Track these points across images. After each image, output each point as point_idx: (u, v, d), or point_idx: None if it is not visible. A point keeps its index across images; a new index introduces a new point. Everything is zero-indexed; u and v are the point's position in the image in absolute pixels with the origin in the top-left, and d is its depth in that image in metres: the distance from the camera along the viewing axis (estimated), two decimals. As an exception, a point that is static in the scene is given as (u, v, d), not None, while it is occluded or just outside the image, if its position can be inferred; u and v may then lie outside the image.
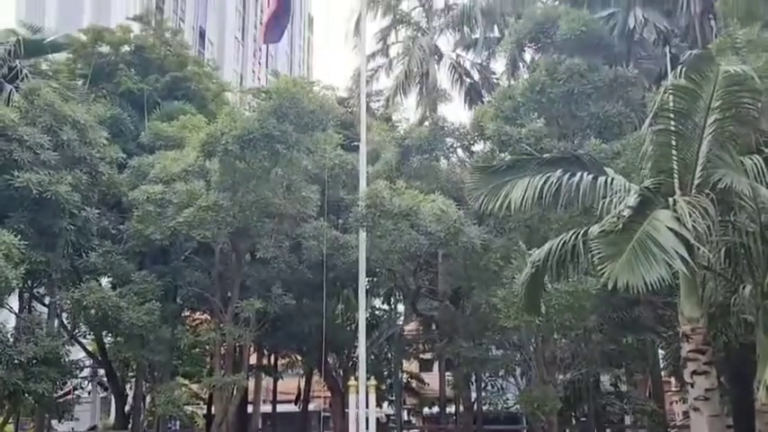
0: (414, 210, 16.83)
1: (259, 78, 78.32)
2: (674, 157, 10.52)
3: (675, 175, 10.49)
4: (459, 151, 21.68)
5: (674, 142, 10.54)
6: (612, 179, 10.87)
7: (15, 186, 16.86)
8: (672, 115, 10.44)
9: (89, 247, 18.95)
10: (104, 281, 19.93)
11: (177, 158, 18.96)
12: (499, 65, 24.94)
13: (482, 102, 24.75)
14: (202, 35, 76.48)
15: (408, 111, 26.83)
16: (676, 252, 8.81)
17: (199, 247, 19.82)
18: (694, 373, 10.06)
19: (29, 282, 19.00)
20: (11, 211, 17.42)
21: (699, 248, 9.46)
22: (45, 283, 19.94)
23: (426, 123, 23.65)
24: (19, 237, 15.82)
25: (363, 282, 16.95)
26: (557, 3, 21.52)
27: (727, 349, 13.32)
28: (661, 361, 22.58)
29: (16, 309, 19.90)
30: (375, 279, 21.91)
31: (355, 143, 18.84)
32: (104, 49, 25.30)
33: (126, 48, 25.57)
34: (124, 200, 19.51)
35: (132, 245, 19.16)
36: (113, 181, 19.63)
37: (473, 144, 20.81)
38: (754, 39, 12.93)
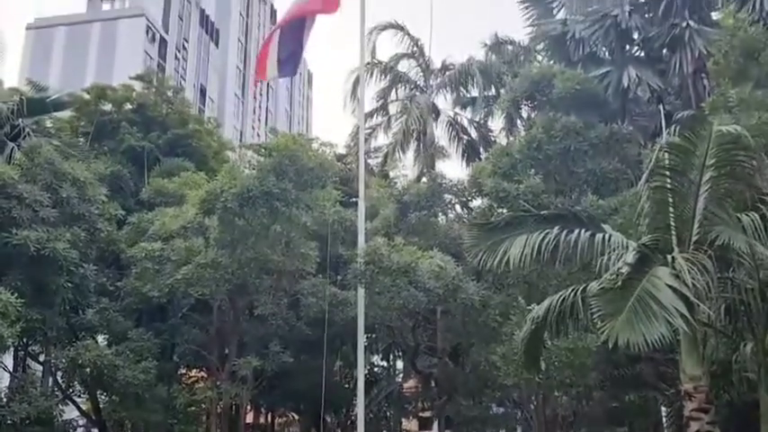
0: (412, 266, 16.79)
1: (258, 135, 79.27)
2: (671, 214, 10.58)
3: (673, 232, 10.53)
4: (458, 207, 21.79)
5: (670, 199, 10.61)
6: (610, 236, 10.92)
7: (13, 244, 16.85)
8: (667, 173, 10.55)
9: (86, 305, 18.85)
10: (100, 338, 19.75)
11: (176, 215, 19.04)
12: (496, 122, 25.25)
13: (479, 158, 24.96)
14: (203, 93, 77.69)
15: (406, 167, 27.10)
16: (676, 309, 8.78)
17: (196, 303, 19.74)
18: (698, 432, 9.92)
19: (24, 340, 18.82)
20: (8, 269, 17.36)
21: (699, 306, 9.43)
22: (40, 340, 19.75)
23: (424, 180, 23.81)
24: (16, 294, 15.75)
25: (362, 339, 16.81)
26: (551, 62, 21.88)
27: (730, 407, 13.15)
28: (664, 419, 22.24)
29: (10, 367, 19.67)
30: (374, 336, 21.75)
31: (354, 199, 18.95)
32: (107, 107, 25.73)
33: (128, 106, 25.99)
34: (122, 257, 19.51)
35: (129, 302, 19.08)
36: (112, 238, 19.66)
37: (471, 200, 20.92)
38: (746, 98, 13.16)
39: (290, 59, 18.63)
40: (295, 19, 18.52)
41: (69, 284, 17.95)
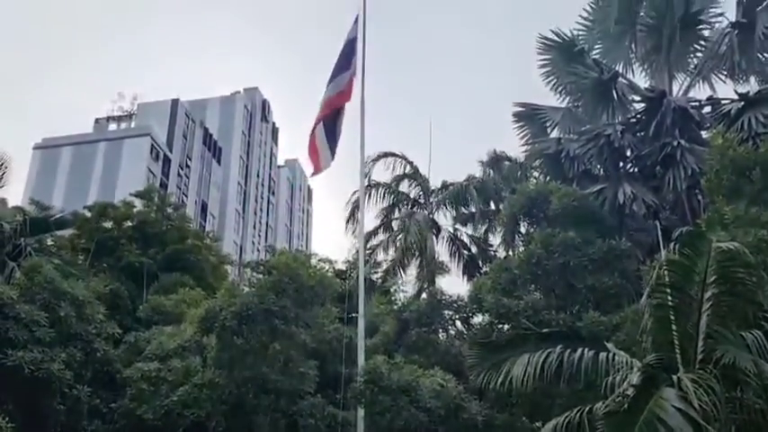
0: (413, 385, 16.44)
1: (258, 250, 79.67)
2: (674, 332, 10.50)
3: (677, 350, 10.41)
4: (458, 323, 21.60)
5: (672, 316, 10.56)
6: (614, 355, 10.83)
7: (8, 365, 16.58)
8: (668, 290, 10.55)
9: (79, 428, 18.31)
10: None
11: (174, 334, 18.85)
12: (496, 237, 25.48)
13: (480, 273, 25.02)
14: (204, 208, 78.77)
15: (407, 283, 27.06)
16: (685, 432, 8.58)
17: (191, 425, 19.17)
18: None
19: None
20: (2, 391, 17.00)
21: (707, 428, 9.19)
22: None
23: (424, 295, 23.76)
24: (7, 419, 15.34)
25: (363, 462, 16.26)
26: (548, 178, 22.32)
27: None
28: None
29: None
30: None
31: (353, 315, 18.81)
32: (108, 224, 25.98)
33: (128, 223, 26.26)
34: (118, 377, 19.13)
35: (123, 425, 18.54)
36: (108, 357, 19.34)
37: (472, 316, 20.78)
38: (742, 215, 13.33)
39: (334, 144, 19.63)
40: (333, 110, 19.62)
41: (62, 407, 17.51)
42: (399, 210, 27.32)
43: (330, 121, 19.61)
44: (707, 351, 9.98)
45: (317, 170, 19.93)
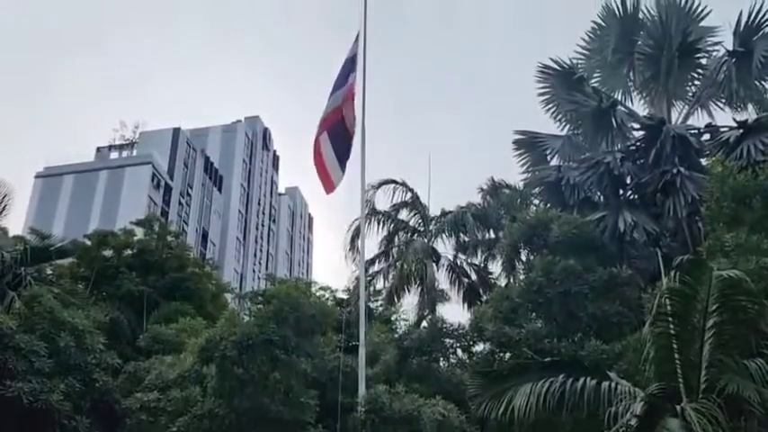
0: (414, 415, 16.31)
1: (259, 278, 79.49)
2: (677, 361, 10.47)
3: (680, 379, 10.38)
4: (459, 351, 21.47)
5: (675, 345, 10.54)
6: (617, 384, 10.77)
7: (7, 396, 16.47)
8: (670, 318, 10.54)
9: (76, 462, 18.11)
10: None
11: (174, 364, 18.70)
12: (496, 265, 25.44)
13: (480, 301, 24.93)
14: (205, 236, 78.74)
15: (407, 310, 26.95)
16: (690, 465, 8.50)
17: (190, 457, 18.97)
18: None
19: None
20: (1, 421, 16.86)
21: (712, 459, 9.12)
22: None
23: (425, 323, 23.65)
24: (5, 452, 15.22)
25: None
26: (548, 205, 22.36)
27: None
28: None
29: None
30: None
31: (354, 343, 18.70)
32: (108, 252, 25.92)
33: (129, 251, 26.20)
34: (117, 407, 18.96)
35: (121, 456, 18.35)
36: (107, 388, 19.18)
37: (473, 345, 20.66)
38: (743, 242, 13.33)
39: (345, 156, 18.93)
40: (336, 123, 19.01)
41: (60, 440, 17.37)
42: (398, 237, 27.31)
43: (337, 137, 18.98)
44: (710, 380, 9.94)
45: (329, 188, 19.08)
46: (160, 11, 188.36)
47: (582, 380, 10.88)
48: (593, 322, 17.71)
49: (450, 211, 26.29)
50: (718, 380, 9.97)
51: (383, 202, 27.23)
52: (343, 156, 18.99)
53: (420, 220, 26.93)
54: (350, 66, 19.47)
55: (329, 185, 19.13)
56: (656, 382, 10.77)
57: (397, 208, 27.10)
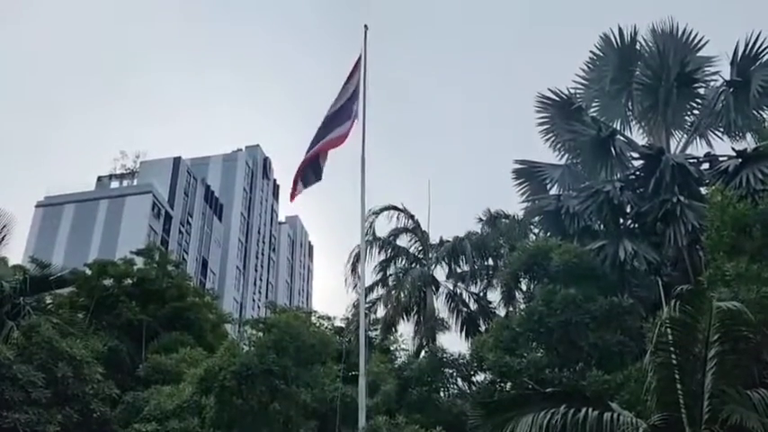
0: (415, 446, 16.18)
1: (259, 306, 79.29)
2: (680, 391, 10.40)
3: (683, 410, 10.29)
4: (459, 381, 21.30)
5: (676, 375, 10.49)
6: (619, 415, 10.67)
7: (3, 427, 16.32)
8: (671, 348, 10.49)
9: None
10: None
11: (172, 394, 18.59)
12: (495, 294, 25.36)
13: (479, 331, 24.84)
14: (205, 265, 78.63)
15: (407, 339, 26.79)
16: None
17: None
18: None
19: None
20: (-5, 453, 16.73)
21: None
22: None
23: (424, 353, 23.50)
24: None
25: None
26: (548, 234, 22.35)
27: None
28: None
29: None
30: None
31: (353, 373, 18.57)
32: (108, 281, 25.86)
33: (128, 280, 26.15)
34: (114, 439, 18.80)
35: (117, 490, 18.15)
36: (105, 418, 19.02)
37: (473, 374, 20.52)
38: (743, 272, 13.30)
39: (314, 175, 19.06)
40: (323, 152, 19.07)
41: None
42: (395, 264, 27.26)
43: (315, 162, 19.12)
44: (713, 411, 9.88)
45: (293, 196, 19.53)
46: (161, 43, 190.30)
47: (584, 410, 10.78)
48: (595, 352, 17.59)
49: (448, 240, 26.31)
50: (720, 410, 9.90)
51: (383, 228, 27.28)
52: (314, 176, 19.14)
53: (420, 247, 26.91)
54: (352, 95, 19.55)
55: (294, 194, 19.39)
56: (659, 412, 10.70)
57: (395, 234, 27.07)
